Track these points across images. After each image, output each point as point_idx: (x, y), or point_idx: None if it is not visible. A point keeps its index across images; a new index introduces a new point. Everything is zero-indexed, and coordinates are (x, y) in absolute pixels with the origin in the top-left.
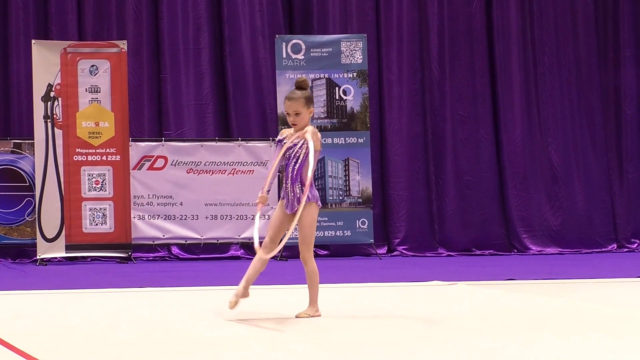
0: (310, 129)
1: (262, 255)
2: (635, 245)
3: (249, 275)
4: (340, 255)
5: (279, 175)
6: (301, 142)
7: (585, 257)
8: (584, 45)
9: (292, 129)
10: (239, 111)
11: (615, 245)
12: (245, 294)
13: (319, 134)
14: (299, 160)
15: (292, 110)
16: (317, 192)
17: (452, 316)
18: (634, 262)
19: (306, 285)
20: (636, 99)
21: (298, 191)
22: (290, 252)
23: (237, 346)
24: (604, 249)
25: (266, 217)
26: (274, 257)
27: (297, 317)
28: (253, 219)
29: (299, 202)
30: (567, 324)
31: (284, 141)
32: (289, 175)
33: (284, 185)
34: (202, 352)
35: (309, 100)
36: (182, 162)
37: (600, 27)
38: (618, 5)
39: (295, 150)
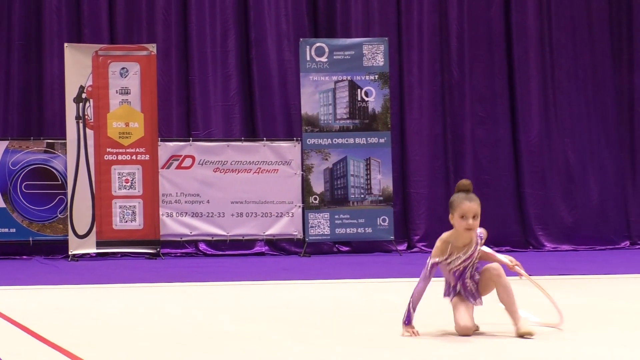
0: (484, 232)
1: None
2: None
3: None
4: (362, 252)
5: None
6: (478, 247)
7: (598, 253)
8: (599, 48)
9: (454, 235)
10: (264, 112)
11: (628, 242)
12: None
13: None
14: (475, 267)
15: (472, 212)
16: None
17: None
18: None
19: (327, 280)
20: None
21: (477, 275)
22: (313, 248)
23: (262, 340)
24: (617, 246)
25: None
26: (298, 254)
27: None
28: (277, 216)
29: (474, 297)
30: (584, 319)
31: (451, 257)
32: (467, 276)
33: (459, 286)
34: (229, 345)
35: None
36: (209, 161)
37: (615, 29)
38: (632, 8)
39: (475, 257)
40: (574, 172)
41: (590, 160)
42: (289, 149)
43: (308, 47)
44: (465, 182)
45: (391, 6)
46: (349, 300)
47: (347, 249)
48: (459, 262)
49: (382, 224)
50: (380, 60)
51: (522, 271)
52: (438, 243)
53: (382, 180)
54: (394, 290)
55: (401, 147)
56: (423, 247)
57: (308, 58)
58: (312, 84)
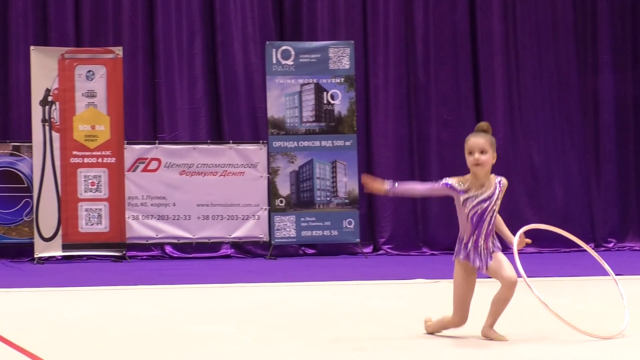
0: (505, 181)
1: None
2: (612, 244)
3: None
4: (328, 254)
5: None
6: (497, 192)
7: (563, 255)
8: (564, 51)
9: (471, 175)
10: (231, 115)
11: (592, 245)
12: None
13: None
14: (494, 214)
15: (478, 147)
16: None
17: (436, 313)
18: (609, 260)
19: (293, 283)
20: (613, 103)
21: (491, 245)
22: (279, 250)
23: (228, 342)
24: (581, 248)
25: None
26: (264, 256)
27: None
28: (243, 219)
29: (491, 256)
30: (547, 321)
31: (468, 194)
32: (483, 231)
33: (470, 242)
34: (195, 347)
35: (494, 145)
36: (175, 164)
37: (579, 33)
38: (596, 12)
39: (493, 202)
40: (539, 174)
41: (555, 163)
42: (255, 151)
43: (274, 50)
44: (482, 124)
45: (357, 9)
46: (314, 303)
47: (313, 251)
48: (477, 201)
49: (348, 226)
50: (346, 63)
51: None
52: (454, 178)
53: (348, 183)
54: (360, 293)
55: (367, 149)
56: (389, 250)
57: (274, 61)
58: (278, 87)
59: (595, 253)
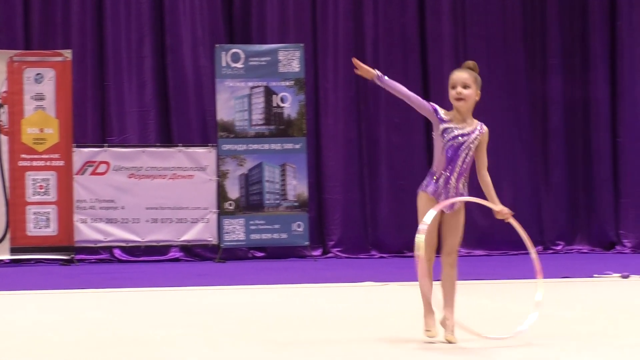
0: (486, 128)
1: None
2: (560, 247)
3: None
4: (277, 257)
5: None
6: (477, 134)
7: (512, 258)
8: (514, 55)
9: (454, 110)
10: (180, 118)
11: (541, 247)
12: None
13: None
14: (470, 153)
15: (460, 81)
16: None
17: (383, 315)
18: (558, 263)
19: (242, 286)
20: (562, 107)
21: (461, 187)
22: (228, 254)
23: (176, 345)
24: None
25: None
26: (213, 259)
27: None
28: (192, 222)
29: (449, 199)
30: (489, 323)
31: (448, 124)
32: (456, 169)
33: (442, 178)
34: (144, 351)
35: (479, 83)
36: (124, 167)
37: (529, 37)
38: (546, 15)
39: (471, 140)
40: None
41: (505, 166)
42: (205, 155)
43: (224, 53)
44: (469, 62)
45: (306, 13)
46: (263, 306)
47: (262, 254)
48: (455, 134)
49: (297, 229)
50: (295, 66)
51: (513, 221)
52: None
53: (297, 186)
54: (309, 296)
55: (316, 152)
56: (338, 253)
57: (224, 64)
58: (228, 90)
59: (523, 231)
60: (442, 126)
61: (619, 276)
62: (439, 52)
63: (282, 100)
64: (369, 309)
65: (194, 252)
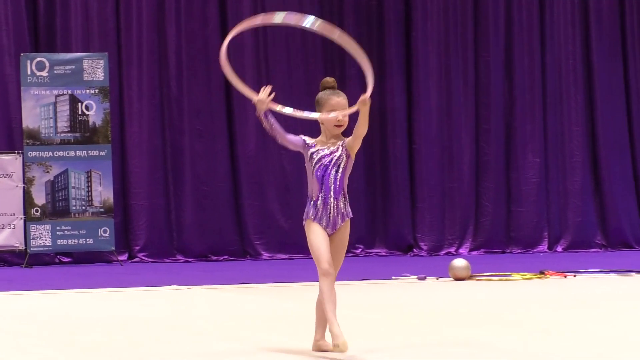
0: (347, 140)
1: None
2: (359, 250)
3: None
4: (84, 262)
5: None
6: (341, 150)
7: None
8: (313, 65)
9: (322, 135)
10: None
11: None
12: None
13: None
14: (340, 170)
15: (341, 107)
16: None
17: (189, 318)
18: (357, 266)
19: (49, 291)
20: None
21: (342, 206)
22: (35, 259)
23: None
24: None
25: None
26: (20, 265)
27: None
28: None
29: (342, 219)
30: (296, 325)
31: (314, 147)
32: (331, 187)
33: (319, 199)
34: None
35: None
36: None
37: (327, 47)
38: (343, 26)
39: (337, 157)
40: (289, 182)
41: (304, 171)
42: (11, 161)
43: (29, 61)
44: (329, 79)
45: (110, 23)
46: (69, 310)
47: (69, 259)
48: (320, 155)
49: (103, 234)
50: (100, 74)
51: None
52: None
53: (103, 192)
54: (115, 300)
55: (122, 159)
56: (144, 257)
57: (29, 72)
58: (33, 98)
59: None
60: (310, 151)
61: (416, 278)
62: (240, 62)
63: (87, 108)
64: (175, 312)
65: (2, 257)
